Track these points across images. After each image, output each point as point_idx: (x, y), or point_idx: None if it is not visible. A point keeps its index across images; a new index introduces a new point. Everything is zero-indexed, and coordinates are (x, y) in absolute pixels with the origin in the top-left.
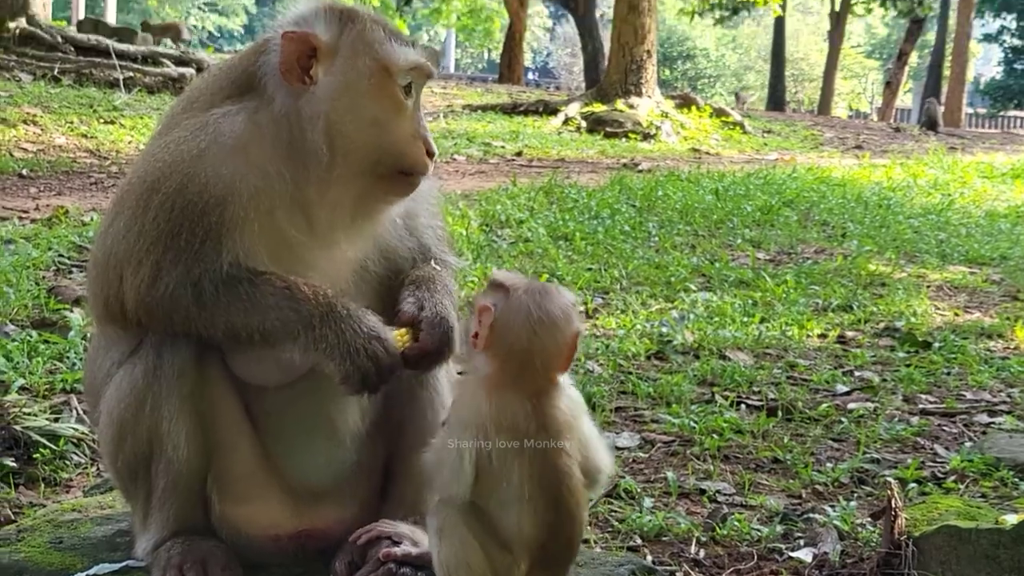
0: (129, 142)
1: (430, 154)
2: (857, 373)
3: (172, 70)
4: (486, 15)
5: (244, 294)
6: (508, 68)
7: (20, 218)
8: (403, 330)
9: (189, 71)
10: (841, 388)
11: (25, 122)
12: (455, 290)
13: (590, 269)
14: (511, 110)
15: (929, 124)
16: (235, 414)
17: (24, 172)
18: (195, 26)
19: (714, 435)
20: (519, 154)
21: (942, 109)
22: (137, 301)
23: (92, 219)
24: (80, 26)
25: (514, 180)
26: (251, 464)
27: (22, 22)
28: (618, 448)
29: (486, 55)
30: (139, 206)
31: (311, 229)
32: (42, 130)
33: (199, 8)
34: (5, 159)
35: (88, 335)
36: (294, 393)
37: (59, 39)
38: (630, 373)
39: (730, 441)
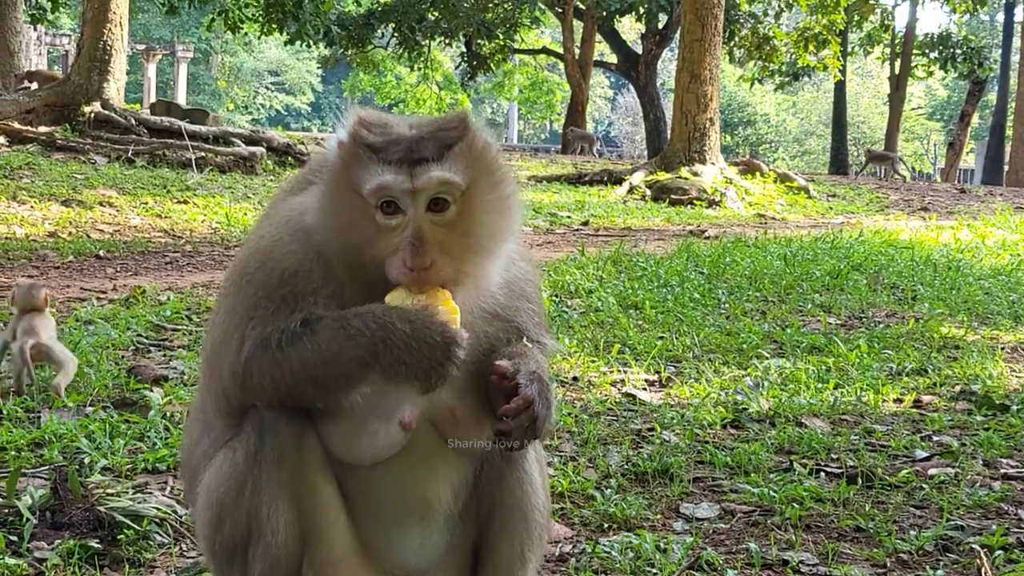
0: (202, 221)
1: (410, 267)
2: (936, 438)
3: (243, 149)
4: (547, 87)
5: (308, 343)
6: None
7: (98, 299)
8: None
9: (260, 150)
10: (920, 453)
11: (101, 204)
12: (547, 366)
13: (661, 338)
14: (576, 180)
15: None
16: (332, 498)
17: (101, 253)
18: (263, 104)
19: (794, 504)
20: (586, 224)
21: (1007, 168)
22: (231, 375)
23: (169, 298)
24: (153, 108)
25: (582, 250)
26: (347, 547)
27: (97, 106)
28: (698, 519)
29: (548, 125)
30: (231, 290)
31: None
32: (118, 211)
33: (267, 88)
34: (82, 240)
35: (167, 414)
36: (388, 472)
37: (133, 122)
38: (707, 442)
39: (811, 510)
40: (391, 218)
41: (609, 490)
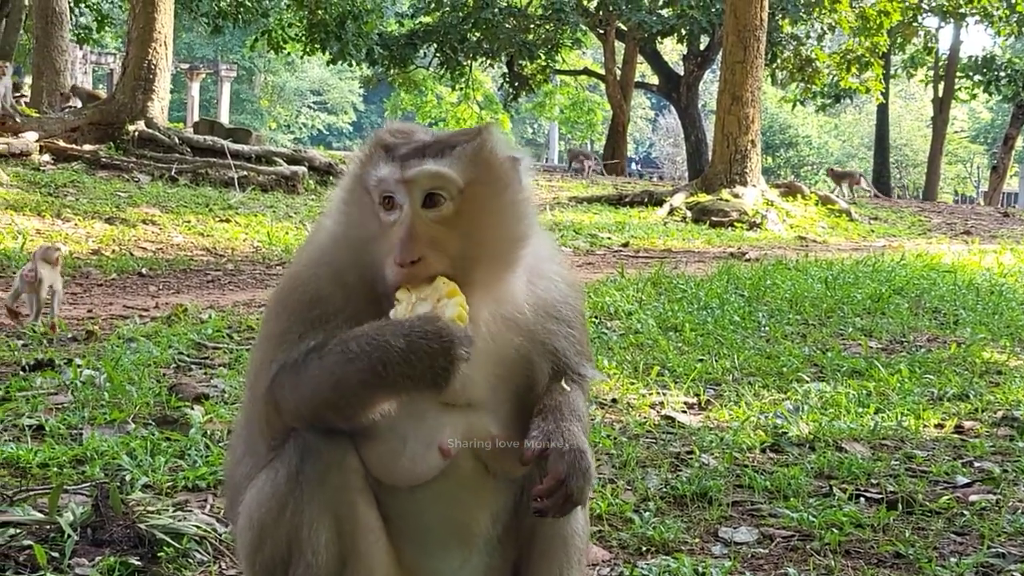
0: (244, 240)
1: (399, 263)
2: (977, 464)
3: (285, 168)
4: (588, 107)
5: (316, 369)
6: (612, 159)
7: (140, 316)
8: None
9: (301, 169)
10: (961, 479)
11: (144, 222)
12: (585, 411)
13: (701, 360)
14: (617, 201)
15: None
16: (373, 520)
17: (143, 271)
18: (305, 124)
19: (834, 529)
20: (626, 245)
21: None
22: (264, 399)
23: (210, 317)
24: (196, 127)
25: (622, 271)
26: (387, 568)
27: (141, 125)
28: (736, 543)
29: (589, 146)
30: (270, 316)
31: None
32: (160, 229)
33: (308, 107)
34: (125, 258)
35: (208, 432)
36: (429, 495)
37: (176, 140)
38: (746, 466)
39: (850, 535)
40: (390, 213)
41: (647, 513)
